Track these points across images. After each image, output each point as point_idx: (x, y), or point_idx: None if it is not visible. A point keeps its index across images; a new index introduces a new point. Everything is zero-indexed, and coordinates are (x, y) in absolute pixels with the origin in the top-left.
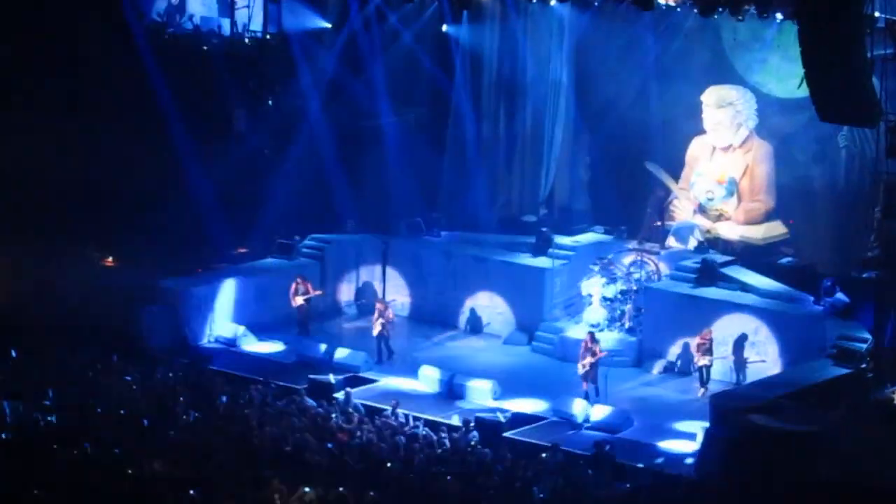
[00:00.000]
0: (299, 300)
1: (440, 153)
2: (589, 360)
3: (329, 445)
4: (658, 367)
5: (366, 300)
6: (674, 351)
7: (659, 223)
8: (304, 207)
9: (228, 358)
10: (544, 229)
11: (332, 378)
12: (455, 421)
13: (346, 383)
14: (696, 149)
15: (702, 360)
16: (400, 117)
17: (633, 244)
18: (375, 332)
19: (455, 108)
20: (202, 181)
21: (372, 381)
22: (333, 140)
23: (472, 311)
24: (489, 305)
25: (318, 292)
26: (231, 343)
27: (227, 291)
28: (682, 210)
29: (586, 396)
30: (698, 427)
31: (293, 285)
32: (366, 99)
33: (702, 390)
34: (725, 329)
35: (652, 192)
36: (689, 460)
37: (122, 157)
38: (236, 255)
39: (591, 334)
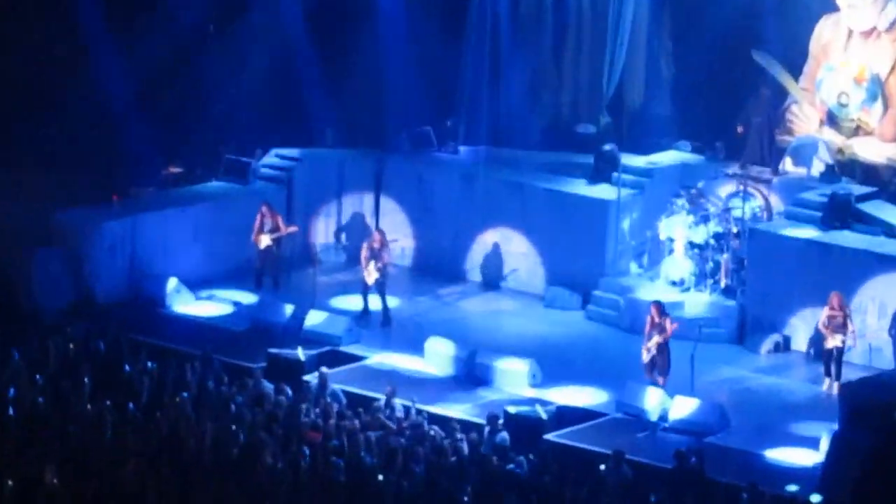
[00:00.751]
0: (265, 240)
1: (458, 37)
2: (656, 340)
3: (297, 449)
4: (768, 344)
5: (350, 242)
6: (793, 323)
7: (776, 137)
8: (263, 111)
9: (153, 323)
10: (607, 146)
11: (301, 353)
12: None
13: (322, 361)
14: (826, 33)
15: (832, 340)
16: None
17: (733, 168)
18: (370, 279)
19: None
20: (117, 74)
21: (358, 357)
22: (306, 14)
23: (493, 256)
24: (522, 253)
25: (292, 228)
26: (158, 302)
27: (153, 229)
28: (803, 120)
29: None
30: (823, 431)
31: (258, 218)
32: None
33: (827, 382)
34: (869, 293)
35: (758, 94)
36: (812, 476)
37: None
38: (166, 177)
39: (659, 304)
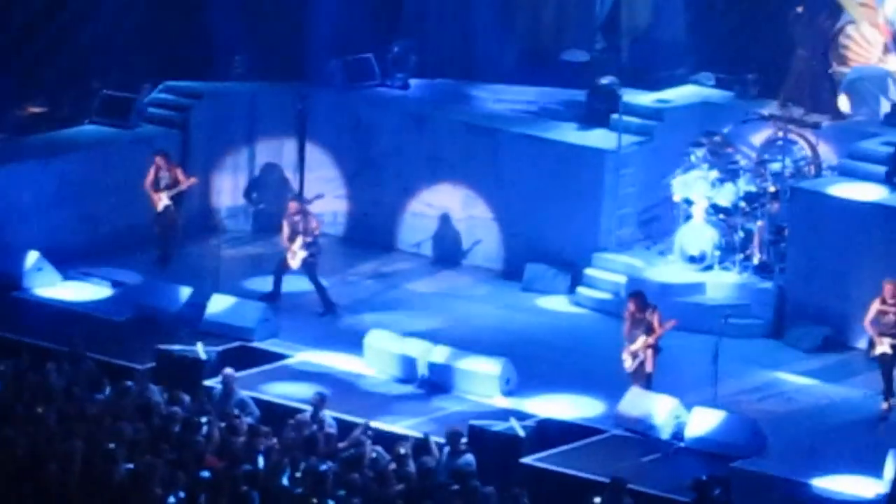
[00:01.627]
0: (163, 198)
1: None
2: (642, 343)
3: (195, 476)
4: (813, 339)
5: (265, 204)
6: (847, 312)
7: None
8: (150, 31)
9: (6, 310)
10: (604, 79)
11: (200, 350)
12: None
13: (228, 361)
14: None
15: (880, 346)
16: None
17: (769, 109)
18: (295, 262)
19: None
20: None
21: (277, 356)
22: None
23: (452, 224)
24: (490, 219)
25: (192, 180)
26: (12, 283)
27: (5, 187)
28: (862, 46)
29: None
30: (889, 453)
31: (150, 171)
32: None
33: (886, 405)
34: None
35: (813, 20)
36: None
37: None
38: (24, 118)
39: (639, 295)
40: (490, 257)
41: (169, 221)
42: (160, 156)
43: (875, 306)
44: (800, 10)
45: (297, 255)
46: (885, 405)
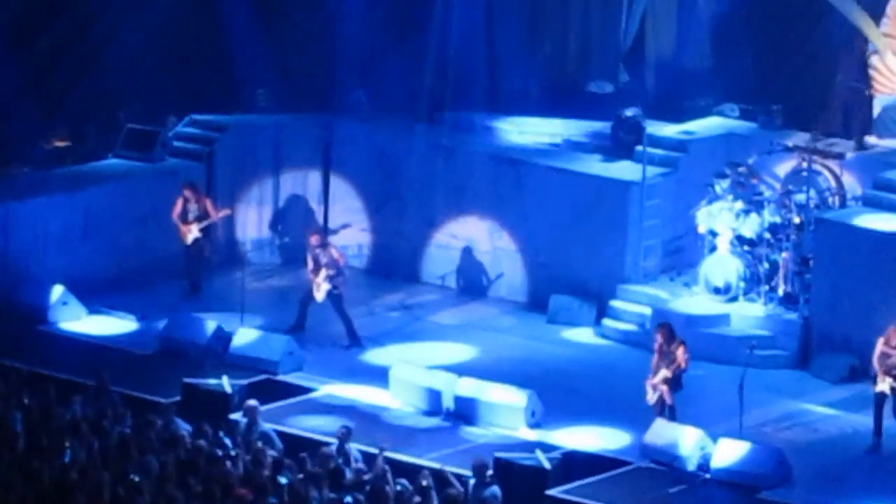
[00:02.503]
0: (193, 230)
1: None
2: (663, 375)
3: None
4: (839, 369)
5: (290, 237)
6: (874, 342)
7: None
8: (175, 64)
9: (31, 343)
10: (629, 111)
11: (226, 384)
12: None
13: (253, 393)
14: None
15: (882, 383)
16: None
17: (793, 140)
18: (319, 294)
19: None
20: None
21: (302, 389)
22: None
23: (477, 255)
24: (515, 251)
25: (225, 212)
26: (37, 316)
27: (31, 220)
28: (887, 76)
29: None
30: None
31: (178, 203)
32: None
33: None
34: None
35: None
36: None
37: None
38: (49, 152)
39: (666, 326)
40: (515, 289)
41: (198, 253)
42: (188, 187)
43: (879, 346)
44: None
45: (321, 288)
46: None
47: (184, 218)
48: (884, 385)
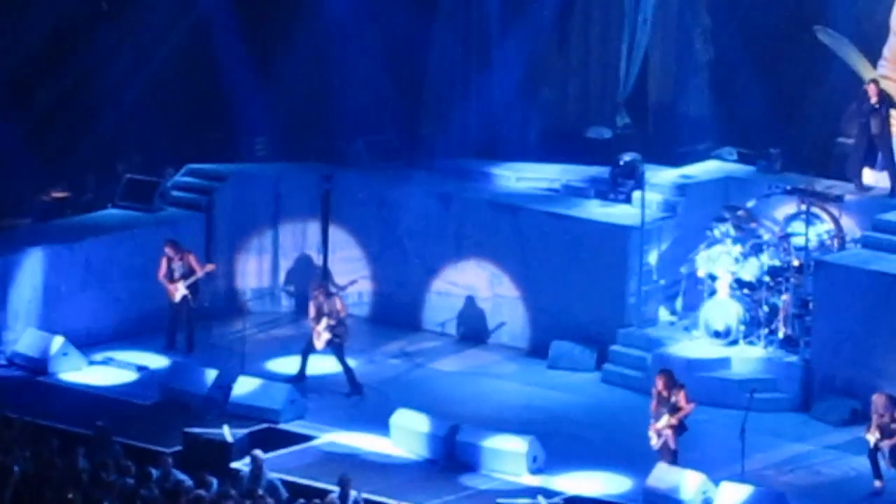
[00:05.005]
0: (180, 289)
1: (431, 14)
2: (665, 422)
3: None
4: (841, 412)
5: (291, 286)
6: (875, 384)
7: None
8: (173, 115)
9: (32, 394)
10: (627, 156)
11: (227, 433)
12: None
13: (254, 443)
14: None
15: (872, 435)
16: None
17: (792, 183)
18: (319, 342)
19: None
20: None
21: (304, 437)
22: None
23: (477, 302)
24: (516, 297)
25: (209, 267)
26: (38, 366)
27: (31, 271)
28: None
29: None
30: None
31: (163, 262)
32: None
33: (878, 483)
34: None
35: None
36: None
37: None
38: (48, 203)
39: (667, 373)
40: (516, 335)
41: (187, 309)
42: (170, 245)
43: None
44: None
45: (321, 336)
46: (877, 483)
47: (170, 276)
48: (872, 437)
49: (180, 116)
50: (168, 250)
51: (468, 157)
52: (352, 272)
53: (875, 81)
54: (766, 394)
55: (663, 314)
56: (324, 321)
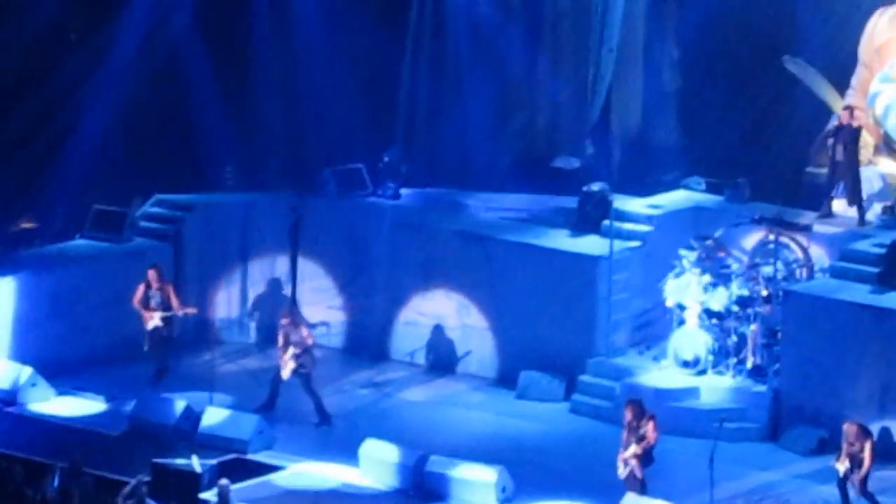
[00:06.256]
0: (155, 318)
1: (401, 43)
2: (634, 451)
3: None
4: (809, 441)
5: (260, 316)
6: (843, 413)
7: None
8: (142, 144)
9: (2, 426)
10: (595, 185)
11: (195, 463)
12: None
13: (223, 472)
14: (881, 32)
15: (841, 464)
16: None
17: (760, 212)
18: (286, 373)
19: None
20: None
21: (272, 467)
22: (197, 16)
23: (446, 332)
24: (484, 327)
25: (190, 310)
26: (6, 397)
27: (0, 302)
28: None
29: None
30: None
31: (139, 289)
32: None
33: None
34: None
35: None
36: None
37: None
38: (16, 233)
39: (635, 403)
40: (484, 365)
41: (159, 339)
42: (153, 271)
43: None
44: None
45: (287, 366)
46: None
47: (145, 303)
48: (841, 466)
49: (149, 146)
50: (150, 276)
51: (438, 186)
52: (321, 302)
53: (849, 109)
54: (735, 423)
55: (631, 345)
56: (290, 350)
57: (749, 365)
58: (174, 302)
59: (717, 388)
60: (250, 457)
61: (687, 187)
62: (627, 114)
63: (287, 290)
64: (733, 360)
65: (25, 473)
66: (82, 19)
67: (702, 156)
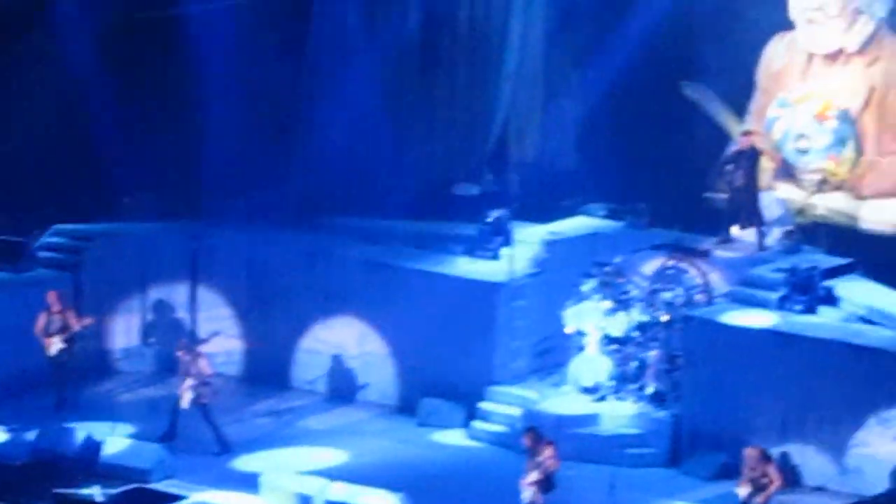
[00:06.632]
0: (56, 342)
1: (298, 67)
2: (533, 477)
3: None
4: (711, 466)
5: (160, 344)
6: (744, 439)
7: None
8: (39, 172)
9: None
10: (494, 212)
11: (97, 493)
12: None
13: (124, 503)
14: (778, 58)
15: (743, 488)
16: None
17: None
18: (185, 401)
19: None
20: None
21: (174, 497)
22: (95, 40)
23: (345, 360)
24: (384, 354)
25: (87, 321)
26: None
27: None
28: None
29: None
30: None
31: (41, 317)
32: None
33: None
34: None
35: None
36: None
37: None
38: None
39: (532, 430)
40: (385, 393)
41: (62, 364)
42: (53, 295)
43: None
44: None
45: (185, 396)
46: None
47: (46, 331)
48: (742, 490)
49: (48, 175)
50: (51, 298)
51: (337, 214)
52: (221, 330)
53: (748, 133)
54: (636, 449)
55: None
56: (188, 380)
57: (649, 391)
58: (73, 322)
59: (617, 414)
60: (152, 486)
61: (587, 213)
62: (526, 140)
63: (186, 319)
64: (633, 386)
65: None
66: None
67: (601, 182)
